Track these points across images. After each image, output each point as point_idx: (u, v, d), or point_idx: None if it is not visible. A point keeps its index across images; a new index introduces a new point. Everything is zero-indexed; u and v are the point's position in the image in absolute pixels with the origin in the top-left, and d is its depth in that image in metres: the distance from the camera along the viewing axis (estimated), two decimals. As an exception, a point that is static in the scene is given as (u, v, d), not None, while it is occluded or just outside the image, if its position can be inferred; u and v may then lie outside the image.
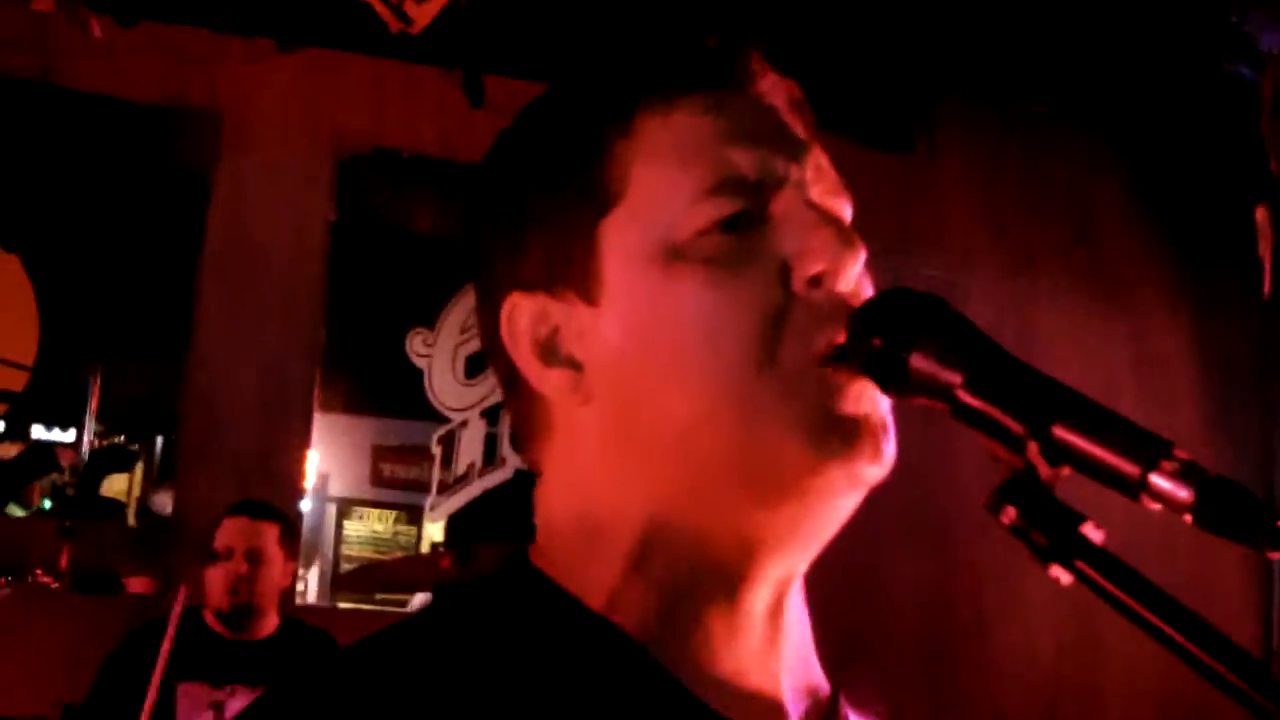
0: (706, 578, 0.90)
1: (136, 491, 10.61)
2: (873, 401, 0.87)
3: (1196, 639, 0.68)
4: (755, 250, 0.89)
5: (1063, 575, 0.72)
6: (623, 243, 0.91)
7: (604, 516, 0.92)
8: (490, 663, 0.86)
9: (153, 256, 6.70)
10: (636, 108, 0.93)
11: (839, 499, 0.89)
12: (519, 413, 0.98)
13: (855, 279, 0.90)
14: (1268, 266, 5.53)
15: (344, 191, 5.59)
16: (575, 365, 0.92)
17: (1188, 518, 0.68)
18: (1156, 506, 0.70)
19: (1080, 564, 0.72)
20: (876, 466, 0.88)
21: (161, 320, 6.10)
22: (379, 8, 4.39)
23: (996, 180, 6.47)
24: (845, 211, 0.95)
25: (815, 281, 0.88)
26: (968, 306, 0.84)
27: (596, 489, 0.92)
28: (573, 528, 0.93)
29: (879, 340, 0.82)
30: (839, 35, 5.29)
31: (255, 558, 4.11)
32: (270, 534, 4.18)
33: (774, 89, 0.96)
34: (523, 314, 0.94)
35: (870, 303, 0.86)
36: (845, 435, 0.86)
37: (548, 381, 0.93)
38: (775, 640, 0.92)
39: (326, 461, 11.12)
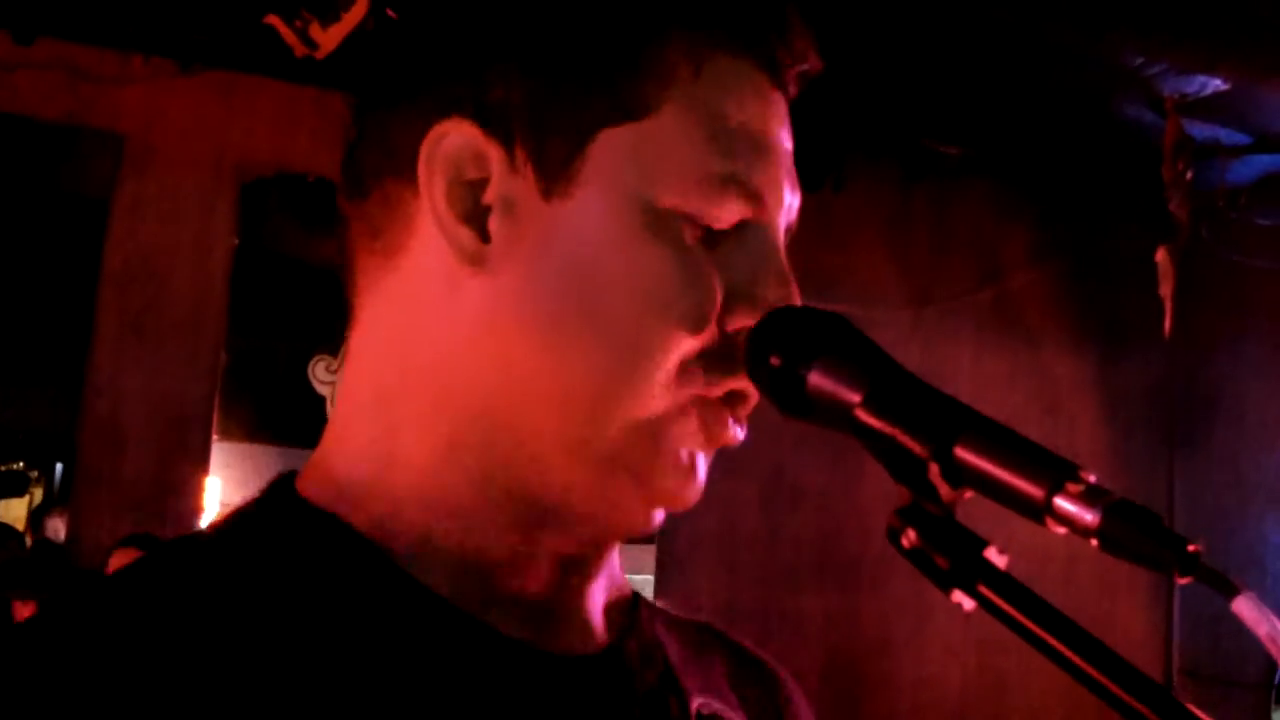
0: (511, 502, 0.86)
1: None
2: (705, 458, 0.87)
3: (1101, 666, 0.65)
4: (715, 265, 0.84)
5: (965, 601, 0.70)
6: (614, 168, 0.83)
7: (436, 383, 0.86)
8: (238, 588, 0.81)
9: (51, 280, 6.56)
10: (711, 29, 0.86)
11: (628, 529, 0.88)
12: (369, 233, 0.89)
13: None
14: (1168, 306, 5.61)
15: (247, 216, 5.52)
16: (486, 234, 0.84)
17: (1094, 542, 0.66)
18: (1061, 530, 0.67)
19: (983, 589, 0.69)
20: (672, 511, 0.88)
21: (59, 345, 5.97)
22: (284, 31, 4.33)
23: (903, 218, 6.52)
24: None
25: (744, 330, 0.85)
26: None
27: (439, 350, 0.86)
28: (385, 382, 0.88)
29: (777, 359, 0.80)
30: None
31: None
32: None
33: (800, 55, 0.90)
34: (458, 143, 0.84)
35: (768, 319, 0.83)
36: (670, 487, 0.85)
37: (448, 231, 0.84)
38: (578, 593, 0.90)
39: (230, 490, 10.97)
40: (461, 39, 0.87)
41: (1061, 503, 0.67)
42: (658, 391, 0.83)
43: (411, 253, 0.86)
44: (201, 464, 5.41)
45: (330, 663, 0.78)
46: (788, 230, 0.90)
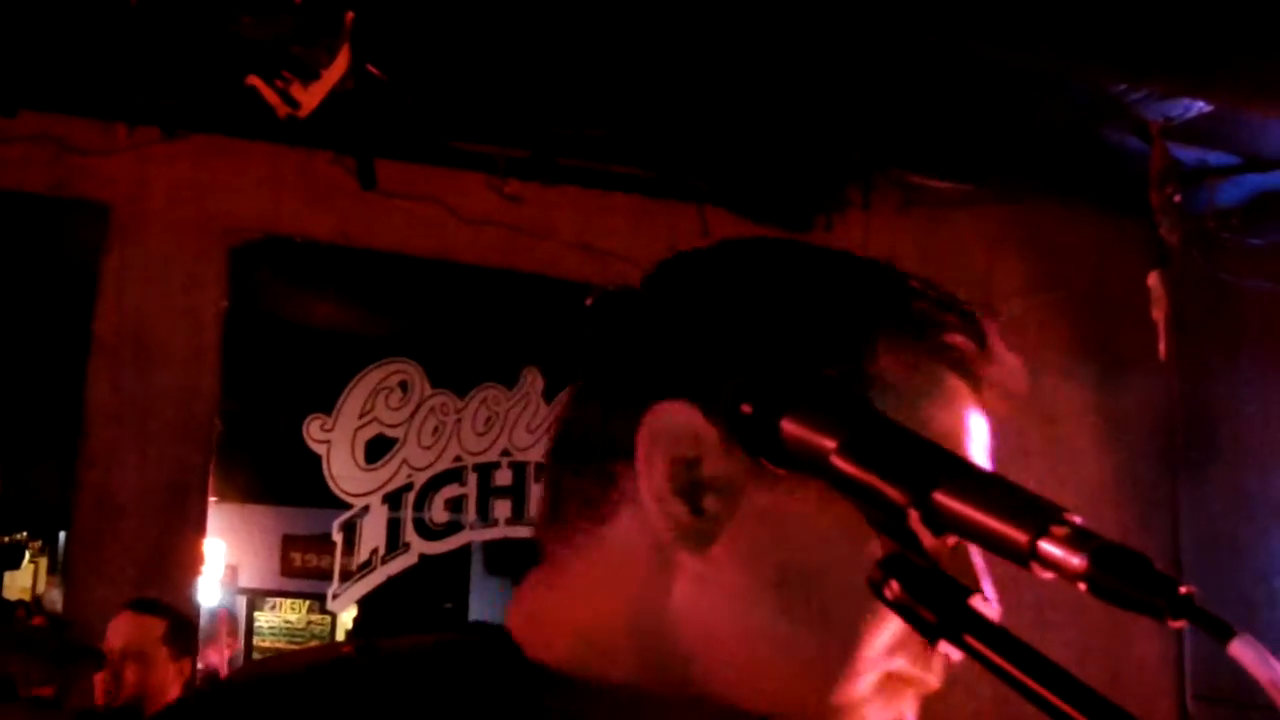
0: None
1: (42, 589, 10.39)
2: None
3: (1096, 716, 0.63)
4: None
5: (952, 652, 0.67)
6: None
7: (636, 645, 0.86)
8: None
9: (46, 351, 6.56)
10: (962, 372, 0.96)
11: None
12: (583, 502, 0.89)
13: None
14: (1162, 329, 5.60)
15: (236, 279, 5.50)
16: (700, 510, 0.84)
17: (1082, 586, 0.63)
18: (1048, 575, 0.65)
19: (970, 640, 0.67)
20: None
21: (58, 416, 5.96)
22: (266, 92, 4.33)
23: (895, 252, 6.50)
24: None
25: None
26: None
27: (662, 626, 0.86)
28: (616, 639, 0.87)
29: (749, 407, 0.77)
30: (737, 114, 5.30)
31: (136, 657, 4.00)
32: (153, 630, 4.06)
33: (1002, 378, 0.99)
34: (678, 422, 0.85)
35: (743, 368, 0.81)
36: None
37: (666, 507, 0.84)
38: None
39: (235, 552, 10.96)
40: (684, 339, 0.88)
41: (1047, 547, 0.64)
42: (864, 671, 0.83)
43: (621, 522, 0.87)
44: (199, 530, 5.36)
45: None
46: None
